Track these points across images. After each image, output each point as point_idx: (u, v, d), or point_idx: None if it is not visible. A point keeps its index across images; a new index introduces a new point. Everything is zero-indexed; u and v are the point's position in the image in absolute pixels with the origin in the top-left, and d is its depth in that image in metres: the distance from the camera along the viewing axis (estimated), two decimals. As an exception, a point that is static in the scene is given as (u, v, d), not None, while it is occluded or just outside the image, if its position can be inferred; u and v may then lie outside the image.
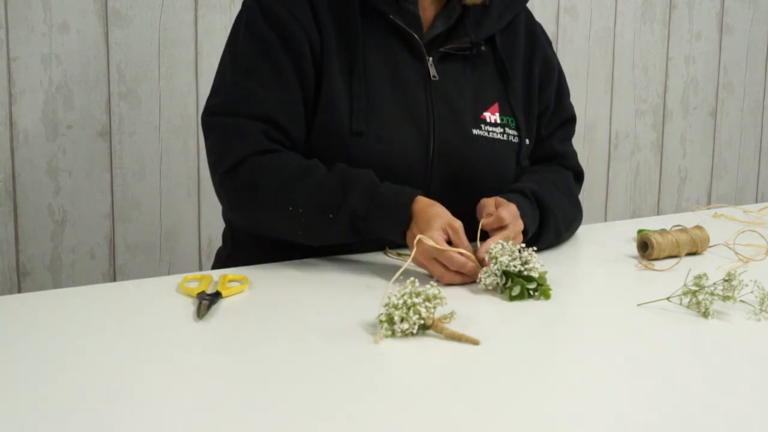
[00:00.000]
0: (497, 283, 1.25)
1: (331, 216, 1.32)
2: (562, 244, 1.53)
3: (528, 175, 1.53)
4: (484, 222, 1.34)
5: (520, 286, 1.22)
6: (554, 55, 1.61)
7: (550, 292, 1.24)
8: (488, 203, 1.36)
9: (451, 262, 1.27)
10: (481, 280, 1.25)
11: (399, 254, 1.40)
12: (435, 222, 1.28)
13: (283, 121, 1.39)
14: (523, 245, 1.28)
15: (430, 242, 1.26)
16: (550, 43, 1.61)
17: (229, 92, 1.41)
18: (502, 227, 1.33)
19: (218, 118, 1.40)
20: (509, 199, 1.39)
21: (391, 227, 1.31)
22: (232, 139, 1.38)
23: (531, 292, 1.23)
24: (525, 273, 1.23)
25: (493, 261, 1.24)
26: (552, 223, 1.45)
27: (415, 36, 1.44)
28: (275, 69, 1.39)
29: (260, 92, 1.39)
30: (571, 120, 1.62)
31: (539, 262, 1.25)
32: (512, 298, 1.23)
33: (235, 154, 1.36)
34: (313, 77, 1.41)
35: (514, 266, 1.23)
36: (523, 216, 1.38)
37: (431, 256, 1.27)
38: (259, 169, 1.36)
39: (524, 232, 1.38)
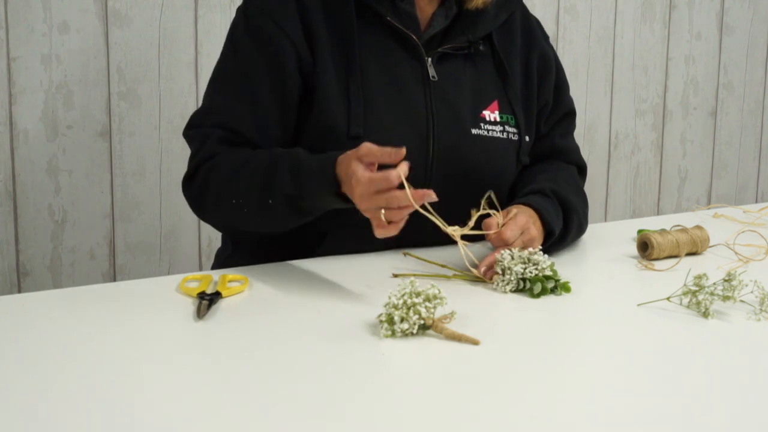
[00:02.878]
0: (517, 288, 1.27)
1: (270, 202, 1.31)
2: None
3: (541, 174, 1.52)
4: (491, 238, 1.33)
5: (540, 282, 1.25)
6: (551, 49, 1.60)
7: (569, 284, 1.27)
8: (492, 225, 1.33)
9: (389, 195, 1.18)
10: (498, 289, 1.27)
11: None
12: (350, 164, 1.21)
13: (247, 131, 1.39)
14: (530, 248, 1.29)
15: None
16: (547, 38, 1.61)
17: (204, 104, 1.45)
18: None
19: (191, 131, 1.44)
20: (530, 201, 1.39)
21: (329, 198, 1.26)
22: (196, 149, 1.41)
23: (551, 289, 1.26)
24: (541, 275, 1.26)
25: (507, 271, 1.25)
26: (575, 219, 1.46)
27: (413, 37, 1.44)
28: (248, 82, 1.40)
29: (229, 104, 1.41)
30: (570, 114, 1.62)
31: (546, 257, 1.27)
32: (535, 296, 1.24)
33: (193, 164, 1.40)
34: (297, 89, 1.41)
35: (530, 272, 1.25)
36: (547, 216, 1.38)
37: (373, 192, 1.19)
38: (207, 172, 1.38)
39: (551, 233, 1.39)
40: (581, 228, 1.51)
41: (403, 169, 1.18)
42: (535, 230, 1.36)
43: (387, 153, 1.19)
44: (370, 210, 1.20)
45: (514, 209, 1.36)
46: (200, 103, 2.12)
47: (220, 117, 1.40)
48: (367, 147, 1.21)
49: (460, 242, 1.27)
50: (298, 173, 1.29)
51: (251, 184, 1.33)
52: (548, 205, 1.41)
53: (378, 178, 1.18)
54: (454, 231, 1.26)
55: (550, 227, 1.39)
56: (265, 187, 1.31)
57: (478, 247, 1.43)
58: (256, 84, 1.40)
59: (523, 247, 1.32)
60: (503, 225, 1.33)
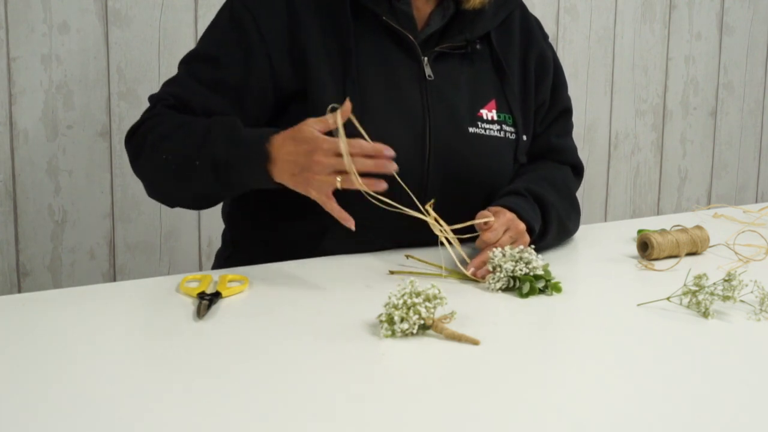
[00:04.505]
0: (507, 286, 1.26)
1: (197, 163, 1.31)
2: (564, 242, 1.53)
3: (521, 175, 1.52)
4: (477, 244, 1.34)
5: (528, 282, 1.24)
6: (550, 48, 1.60)
7: (561, 285, 1.26)
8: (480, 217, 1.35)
9: (360, 147, 1.22)
10: (490, 287, 1.26)
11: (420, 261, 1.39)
12: (305, 154, 1.23)
13: (197, 111, 1.40)
14: (521, 247, 1.29)
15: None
16: (546, 37, 1.61)
17: (173, 77, 1.46)
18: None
19: (151, 98, 1.44)
20: (505, 203, 1.39)
21: (254, 170, 1.27)
22: (147, 110, 1.42)
23: (541, 289, 1.25)
24: (532, 274, 1.25)
25: (498, 269, 1.26)
26: (554, 214, 1.45)
27: (410, 36, 1.44)
28: (213, 70, 1.41)
29: (190, 83, 1.42)
30: (566, 112, 1.61)
31: (539, 257, 1.27)
32: (524, 296, 1.24)
33: (139, 120, 1.41)
34: (257, 94, 1.41)
35: (520, 270, 1.24)
36: (524, 214, 1.38)
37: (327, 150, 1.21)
38: (148, 128, 1.38)
39: (531, 231, 1.39)
40: (563, 223, 1.50)
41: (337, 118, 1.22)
42: (523, 225, 1.36)
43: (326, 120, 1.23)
44: (322, 171, 1.21)
45: (492, 210, 1.37)
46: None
47: (179, 90, 1.41)
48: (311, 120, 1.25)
49: (444, 239, 1.28)
50: (233, 137, 1.30)
51: (184, 144, 1.33)
52: (523, 203, 1.41)
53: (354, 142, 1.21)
54: (441, 230, 1.28)
55: (530, 224, 1.38)
56: (196, 148, 1.31)
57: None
58: (222, 75, 1.41)
59: (514, 243, 1.32)
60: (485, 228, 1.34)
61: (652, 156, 2.92)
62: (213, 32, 1.47)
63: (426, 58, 1.45)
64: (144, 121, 1.40)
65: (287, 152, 1.25)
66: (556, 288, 1.26)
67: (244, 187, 1.34)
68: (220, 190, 1.35)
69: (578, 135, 2.50)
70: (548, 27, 2.58)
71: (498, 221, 1.34)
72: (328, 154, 1.21)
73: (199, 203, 1.43)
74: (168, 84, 1.45)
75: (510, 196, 1.43)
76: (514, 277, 1.26)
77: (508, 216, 1.36)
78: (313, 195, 1.24)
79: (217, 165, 1.29)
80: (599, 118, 2.80)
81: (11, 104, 2.00)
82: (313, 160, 1.22)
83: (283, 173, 1.26)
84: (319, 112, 1.39)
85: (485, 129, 1.47)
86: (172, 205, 1.48)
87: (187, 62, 1.46)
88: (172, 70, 2.12)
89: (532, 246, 1.32)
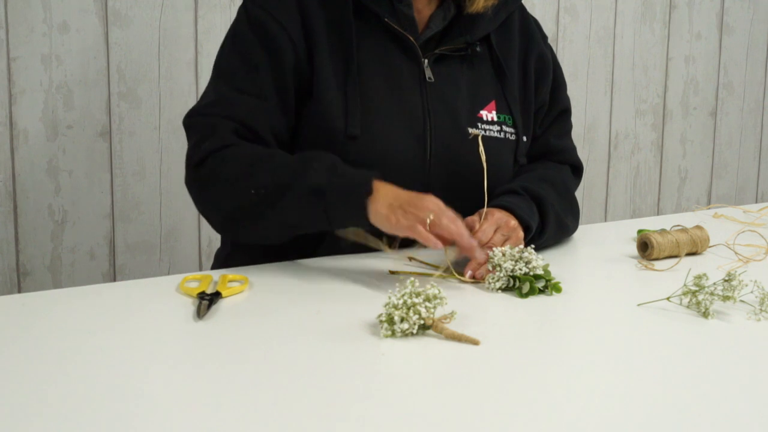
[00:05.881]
0: (507, 286, 1.26)
1: (291, 192, 1.29)
2: (563, 242, 1.53)
3: (521, 174, 1.53)
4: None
5: (528, 282, 1.24)
6: (549, 49, 1.60)
7: (561, 285, 1.26)
8: (470, 223, 1.35)
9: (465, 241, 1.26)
10: (489, 287, 1.27)
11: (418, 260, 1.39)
12: (414, 196, 1.27)
13: (256, 125, 1.38)
14: (521, 246, 1.29)
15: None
16: (545, 38, 1.61)
17: (209, 96, 1.43)
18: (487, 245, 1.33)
19: (194, 119, 1.41)
20: (500, 202, 1.39)
21: (353, 201, 1.27)
22: (203, 137, 1.38)
23: (541, 289, 1.25)
24: (531, 273, 1.24)
25: (498, 268, 1.25)
26: (552, 212, 1.45)
27: (410, 38, 1.44)
28: (254, 77, 1.40)
29: (237, 97, 1.39)
30: (565, 112, 1.61)
31: (540, 257, 1.27)
32: (523, 296, 1.24)
33: (202, 151, 1.37)
34: (294, 90, 1.41)
35: (520, 269, 1.24)
36: (518, 211, 1.38)
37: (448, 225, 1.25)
38: (221, 160, 1.35)
39: (527, 228, 1.39)
40: (561, 221, 1.50)
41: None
42: (514, 221, 1.36)
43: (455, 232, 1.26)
44: (417, 219, 1.24)
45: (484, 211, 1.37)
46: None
47: (230, 110, 1.39)
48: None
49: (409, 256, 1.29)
50: (334, 169, 1.29)
51: (276, 174, 1.31)
52: (520, 201, 1.41)
53: (453, 217, 1.26)
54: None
55: (526, 222, 1.38)
56: (292, 177, 1.29)
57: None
58: (263, 80, 1.40)
59: (507, 240, 1.32)
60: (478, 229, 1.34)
61: (652, 156, 2.92)
62: (236, 42, 1.44)
63: (426, 60, 1.45)
64: (210, 153, 1.36)
65: (391, 190, 1.27)
66: (556, 288, 1.26)
67: (335, 219, 1.30)
68: (308, 221, 1.31)
69: (578, 135, 2.50)
70: (548, 27, 2.59)
71: (486, 222, 1.34)
72: (431, 205, 1.25)
73: (275, 236, 1.37)
74: (212, 106, 1.40)
75: (505, 195, 1.43)
76: (513, 277, 1.26)
77: (497, 215, 1.36)
78: (404, 223, 1.25)
79: (316, 193, 1.28)
80: (599, 118, 2.80)
81: (11, 104, 2.00)
82: (416, 200, 1.25)
83: (382, 203, 1.26)
84: (320, 111, 1.39)
85: (485, 130, 1.48)
86: (243, 240, 1.44)
87: (223, 80, 1.42)
88: (172, 70, 2.13)
89: (532, 246, 1.32)
